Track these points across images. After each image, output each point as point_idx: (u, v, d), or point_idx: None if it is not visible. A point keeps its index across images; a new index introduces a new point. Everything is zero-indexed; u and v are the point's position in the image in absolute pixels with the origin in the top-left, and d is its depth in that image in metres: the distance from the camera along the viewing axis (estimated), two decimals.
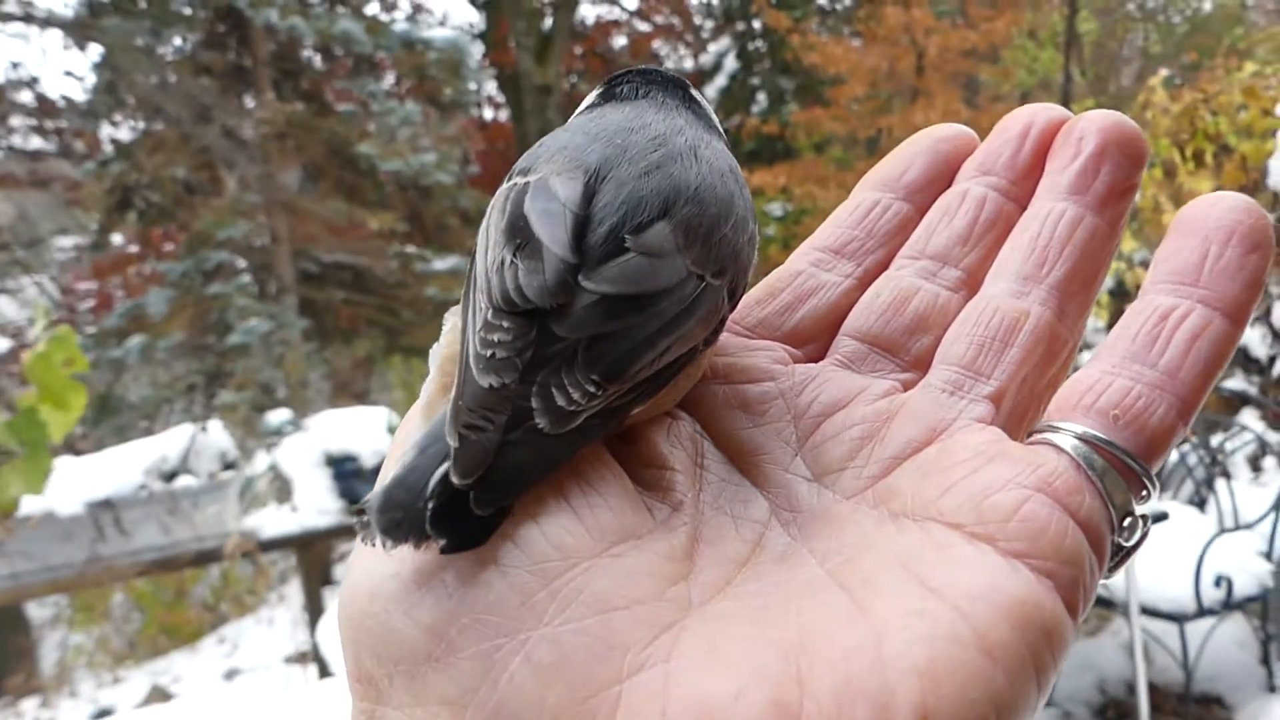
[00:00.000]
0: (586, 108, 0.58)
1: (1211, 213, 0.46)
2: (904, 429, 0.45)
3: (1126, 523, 0.43)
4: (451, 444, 0.40)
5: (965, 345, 0.47)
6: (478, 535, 0.39)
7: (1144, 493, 0.43)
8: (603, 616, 0.37)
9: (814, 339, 0.52)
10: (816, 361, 0.51)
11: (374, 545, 0.39)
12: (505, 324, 0.43)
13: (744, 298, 0.54)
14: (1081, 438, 0.42)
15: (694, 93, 0.58)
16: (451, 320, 0.48)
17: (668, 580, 0.39)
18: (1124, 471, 0.42)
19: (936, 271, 0.52)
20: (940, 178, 0.55)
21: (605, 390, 0.42)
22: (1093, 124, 0.51)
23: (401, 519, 0.39)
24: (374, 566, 0.40)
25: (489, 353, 0.42)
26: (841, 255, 0.54)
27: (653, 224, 0.46)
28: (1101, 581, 0.42)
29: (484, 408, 0.41)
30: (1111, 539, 0.42)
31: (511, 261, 0.45)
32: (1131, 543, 0.43)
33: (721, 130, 0.58)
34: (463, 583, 0.38)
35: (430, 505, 0.39)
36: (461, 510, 0.39)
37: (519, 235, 0.46)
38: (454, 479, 0.39)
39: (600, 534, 0.40)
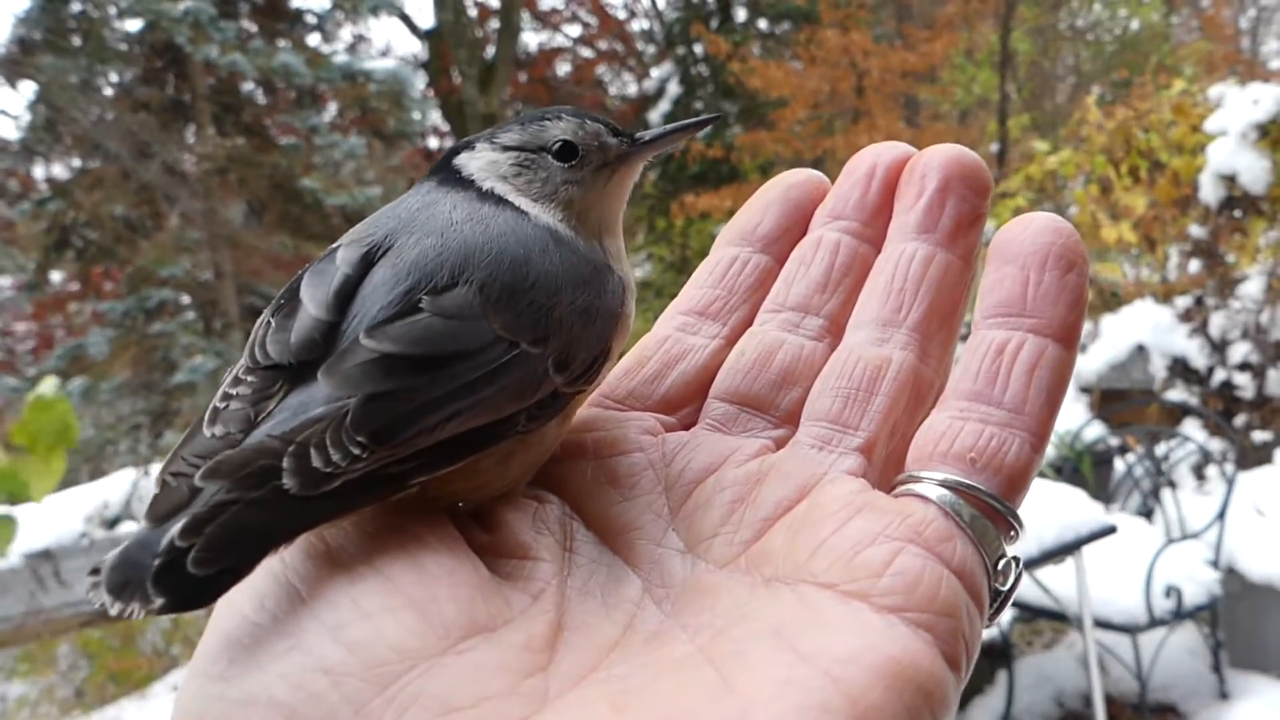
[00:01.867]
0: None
1: (1024, 236, 0.46)
2: (774, 489, 0.44)
3: (1000, 565, 0.42)
4: (153, 490, 0.39)
5: (831, 399, 0.47)
6: (196, 597, 0.36)
7: (1012, 533, 0.42)
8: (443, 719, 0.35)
9: (686, 404, 0.51)
10: (692, 427, 0.50)
11: (100, 606, 0.37)
12: (250, 379, 0.43)
13: (614, 369, 0.53)
14: (944, 484, 0.42)
15: (496, 179, 0.54)
16: None
17: (522, 673, 0.37)
18: (990, 514, 0.42)
19: (799, 322, 0.51)
20: (795, 226, 0.55)
21: (373, 453, 0.40)
22: (934, 160, 0.50)
23: (131, 578, 0.37)
24: (201, 688, 0.38)
25: (224, 404, 0.42)
26: (706, 316, 0.54)
27: (452, 288, 0.45)
28: (985, 630, 0.41)
29: (199, 455, 0.40)
30: (988, 584, 0.41)
31: (268, 320, 0.45)
32: (1008, 586, 0.43)
33: (533, 207, 0.53)
34: (292, 698, 0.36)
35: (157, 562, 0.36)
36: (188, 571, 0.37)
37: (285, 296, 0.46)
38: (142, 521, 0.38)
39: (445, 630, 0.37)
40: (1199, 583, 3.76)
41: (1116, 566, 3.74)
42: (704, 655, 0.38)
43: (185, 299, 12.62)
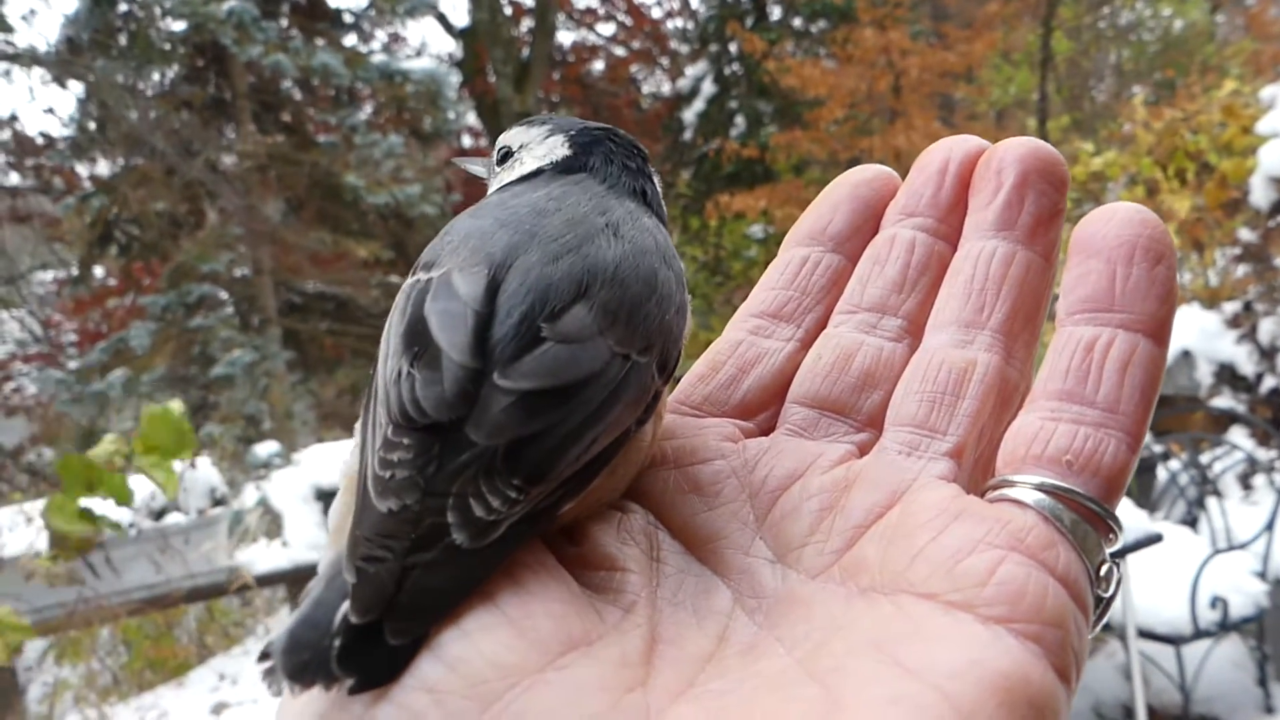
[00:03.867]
0: (527, 175, 0.55)
1: (1108, 229, 0.44)
2: (864, 496, 0.43)
3: (1103, 571, 0.41)
4: (348, 579, 0.38)
5: (916, 403, 0.45)
6: (390, 670, 0.36)
7: (1111, 536, 0.41)
8: None
9: (764, 409, 0.50)
10: (770, 432, 0.49)
11: (280, 692, 0.36)
12: (406, 441, 0.40)
13: (687, 374, 0.52)
14: (1041, 488, 0.40)
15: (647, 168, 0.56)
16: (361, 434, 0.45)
17: (622, 689, 0.36)
18: (1090, 518, 0.40)
19: (876, 323, 0.50)
20: (866, 224, 0.53)
21: (529, 494, 0.39)
22: (1010, 154, 0.49)
23: (309, 660, 0.36)
24: (304, 708, 0.38)
25: (388, 474, 0.40)
26: (779, 319, 0.52)
27: (568, 309, 0.43)
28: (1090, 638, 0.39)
29: (383, 535, 0.38)
30: (1091, 591, 0.40)
31: (409, 372, 0.42)
32: (1109, 592, 0.41)
33: (657, 203, 0.55)
34: (397, 718, 0.36)
35: (337, 643, 0.36)
36: (371, 644, 0.36)
37: (417, 342, 0.43)
38: (352, 618, 0.37)
39: (543, 646, 0.37)
40: (1245, 594, 3.71)
41: (1161, 575, 3.70)
42: (804, 669, 0.37)
43: (224, 294, 12.76)
